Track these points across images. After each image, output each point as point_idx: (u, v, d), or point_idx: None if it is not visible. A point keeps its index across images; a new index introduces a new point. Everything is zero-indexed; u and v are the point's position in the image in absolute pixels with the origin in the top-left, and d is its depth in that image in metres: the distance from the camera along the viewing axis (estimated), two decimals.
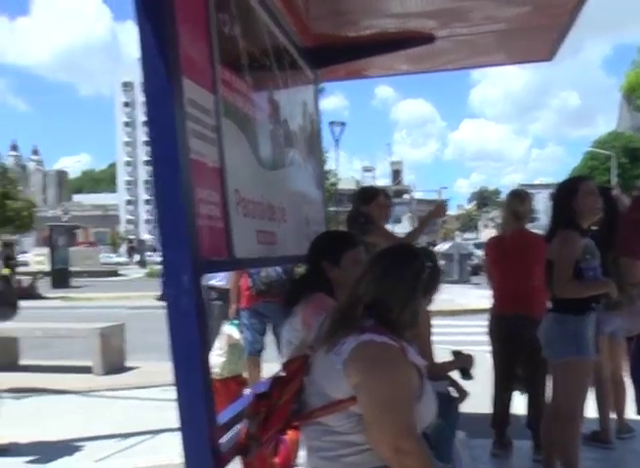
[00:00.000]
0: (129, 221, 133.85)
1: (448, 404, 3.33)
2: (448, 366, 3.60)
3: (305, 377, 2.19)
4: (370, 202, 4.51)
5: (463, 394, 3.57)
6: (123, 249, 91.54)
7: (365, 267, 2.29)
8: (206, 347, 2.00)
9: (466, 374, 3.59)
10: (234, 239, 2.29)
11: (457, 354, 3.62)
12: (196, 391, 1.96)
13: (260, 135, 2.86)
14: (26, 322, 7.45)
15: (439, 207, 5.04)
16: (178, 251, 1.84)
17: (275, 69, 3.29)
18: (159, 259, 2.03)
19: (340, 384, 2.04)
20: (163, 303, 1.90)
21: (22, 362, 9.12)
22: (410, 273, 2.16)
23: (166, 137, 1.81)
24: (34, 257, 37.38)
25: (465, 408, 3.66)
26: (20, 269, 26.80)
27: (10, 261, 19.96)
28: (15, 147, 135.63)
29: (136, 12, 1.77)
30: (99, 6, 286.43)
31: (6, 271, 7.05)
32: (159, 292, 19.52)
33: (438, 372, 3.41)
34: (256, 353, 6.26)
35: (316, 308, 2.76)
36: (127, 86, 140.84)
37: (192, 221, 1.89)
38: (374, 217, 4.33)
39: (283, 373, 2.22)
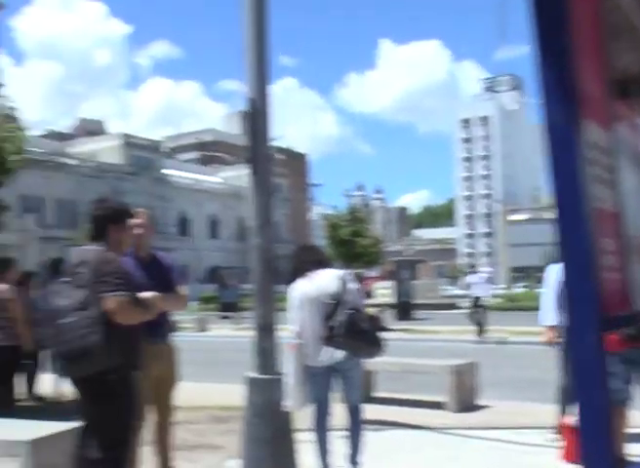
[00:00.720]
0: (468, 255, 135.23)
1: None
2: None
3: None
4: None
5: None
6: (462, 281, 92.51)
7: None
8: (609, 407, 1.79)
9: None
10: (633, 290, 2.06)
11: None
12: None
13: None
14: None
15: None
16: (583, 308, 1.69)
17: None
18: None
19: None
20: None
21: (376, 394, 9.44)
22: None
23: (571, 187, 1.68)
24: (380, 290, 39.27)
25: None
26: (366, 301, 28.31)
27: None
28: (360, 188, 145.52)
29: (540, 63, 1.67)
30: (437, 49, 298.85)
31: (371, 310, 7.36)
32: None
33: None
34: (621, 403, 5.76)
35: None
36: (465, 122, 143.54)
37: (597, 276, 1.72)
38: None
39: None
